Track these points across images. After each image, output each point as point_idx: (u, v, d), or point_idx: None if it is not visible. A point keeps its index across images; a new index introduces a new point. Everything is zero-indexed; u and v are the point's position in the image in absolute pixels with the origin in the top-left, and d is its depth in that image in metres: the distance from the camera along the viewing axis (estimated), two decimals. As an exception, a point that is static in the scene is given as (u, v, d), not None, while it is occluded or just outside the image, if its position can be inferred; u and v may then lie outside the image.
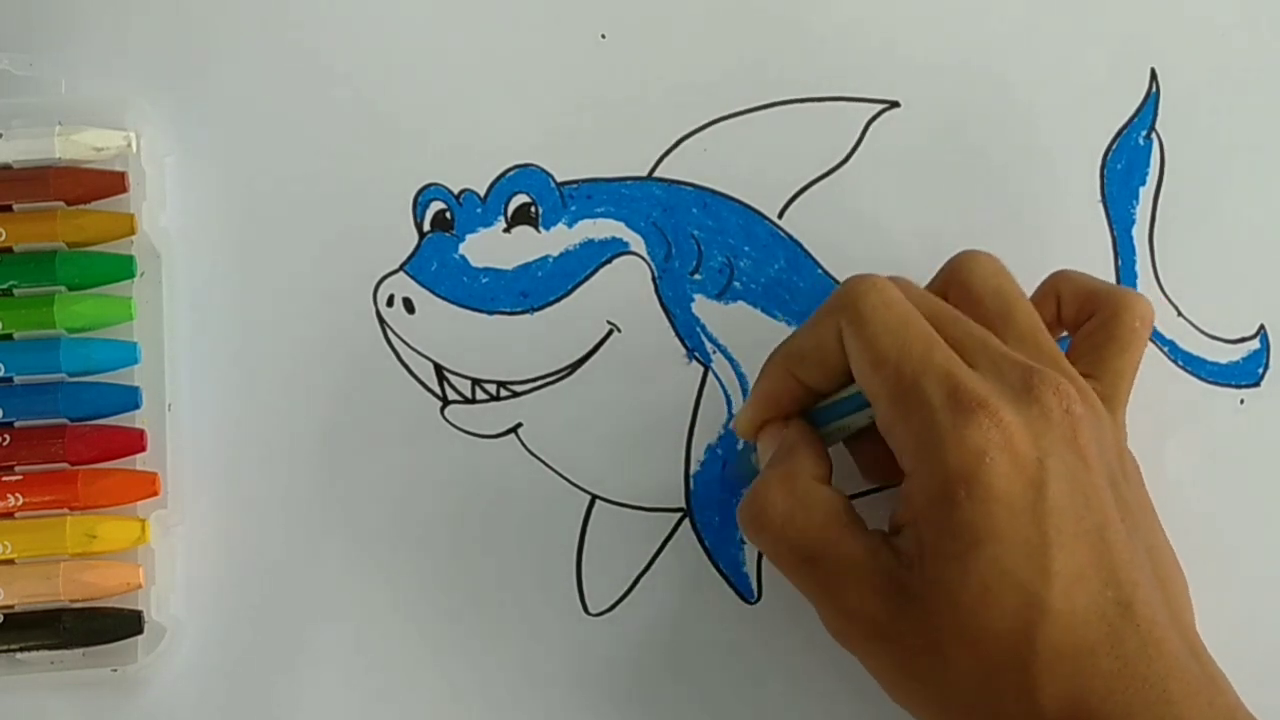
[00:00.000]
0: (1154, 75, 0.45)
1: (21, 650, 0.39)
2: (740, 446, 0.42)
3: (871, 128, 0.44)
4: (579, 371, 0.42)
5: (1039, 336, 0.37)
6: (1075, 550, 0.33)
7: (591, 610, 0.41)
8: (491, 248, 0.43)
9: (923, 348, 0.35)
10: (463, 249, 0.43)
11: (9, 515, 0.40)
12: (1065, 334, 0.40)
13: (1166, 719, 0.33)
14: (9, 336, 0.41)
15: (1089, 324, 0.39)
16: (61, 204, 0.41)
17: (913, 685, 0.35)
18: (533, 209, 0.43)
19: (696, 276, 0.43)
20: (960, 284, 0.38)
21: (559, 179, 0.43)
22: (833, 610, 0.36)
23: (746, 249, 0.43)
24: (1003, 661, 0.33)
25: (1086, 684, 0.33)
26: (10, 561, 0.40)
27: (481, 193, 0.43)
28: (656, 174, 0.44)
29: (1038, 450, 0.34)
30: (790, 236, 0.43)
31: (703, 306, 0.43)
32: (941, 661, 0.34)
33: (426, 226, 0.43)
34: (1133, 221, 0.44)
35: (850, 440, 0.39)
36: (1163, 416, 0.43)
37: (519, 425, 0.42)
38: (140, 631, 0.40)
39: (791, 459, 0.37)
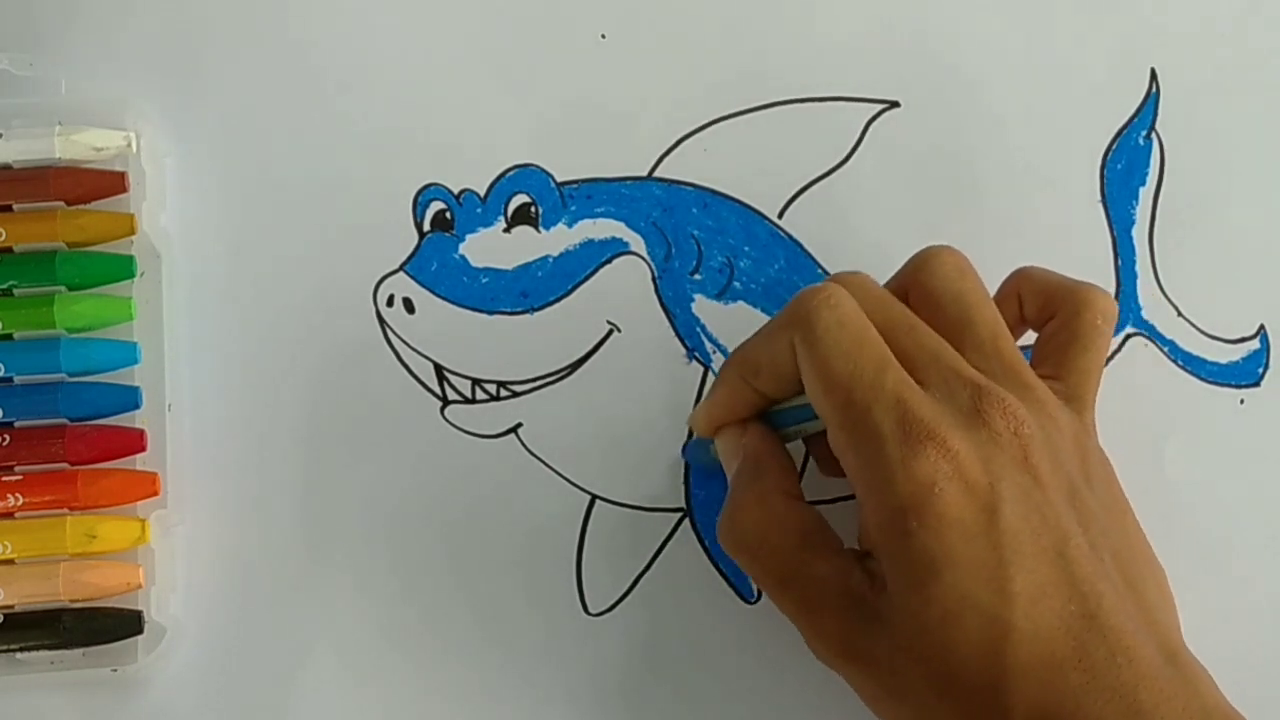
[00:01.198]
0: (1154, 75, 0.45)
1: (21, 650, 0.39)
2: (693, 440, 0.42)
3: (871, 128, 0.44)
4: (579, 371, 0.42)
5: (999, 344, 0.37)
6: (1034, 569, 0.33)
7: (591, 610, 0.41)
8: (491, 248, 0.43)
9: (874, 371, 0.35)
10: (463, 249, 0.43)
11: (9, 515, 0.40)
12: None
13: None
14: (9, 336, 0.41)
15: (1051, 323, 0.39)
16: (61, 204, 0.41)
17: (890, 703, 0.35)
18: (533, 209, 0.43)
19: (696, 276, 0.43)
20: (920, 286, 0.38)
21: (559, 179, 0.43)
22: (809, 631, 0.36)
23: (746, 249, 0.43)
24: (972, 682, 0.33)
25: (1056, 698, 0.33)
26: (10, 561, 0.40)
27: (481, 193, 0.43)
28: (656, 174, 0.44)
29: (988, 475, 0.34)
30: (790, 236, 0.43)
31: (703, 306, 0.43)
32: (912, 683, 0.34)
33: (426, 226, 0.43)
34: (1132, 221, 0.44)
35: (808, 438, 0.39)
36: (1163, 416, 0.43)
37: (519, 425, 0.42)
38: (140, 631, 0.40)
39: (760, 476, 0.37)
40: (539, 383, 0.42)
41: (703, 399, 0.40)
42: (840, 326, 0.35)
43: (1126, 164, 0.44)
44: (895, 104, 0.44)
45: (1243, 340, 0.44)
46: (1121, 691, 0.33)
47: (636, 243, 0.43)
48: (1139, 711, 0.33)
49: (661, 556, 0.42)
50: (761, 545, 0.36)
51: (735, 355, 0.38)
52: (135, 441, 0.40)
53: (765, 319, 0.42)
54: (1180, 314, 0.44)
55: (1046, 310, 0.39)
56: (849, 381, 0.35)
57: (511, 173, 0.43)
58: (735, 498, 0.37)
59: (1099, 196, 0.44)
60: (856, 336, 0.35)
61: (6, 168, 0.41)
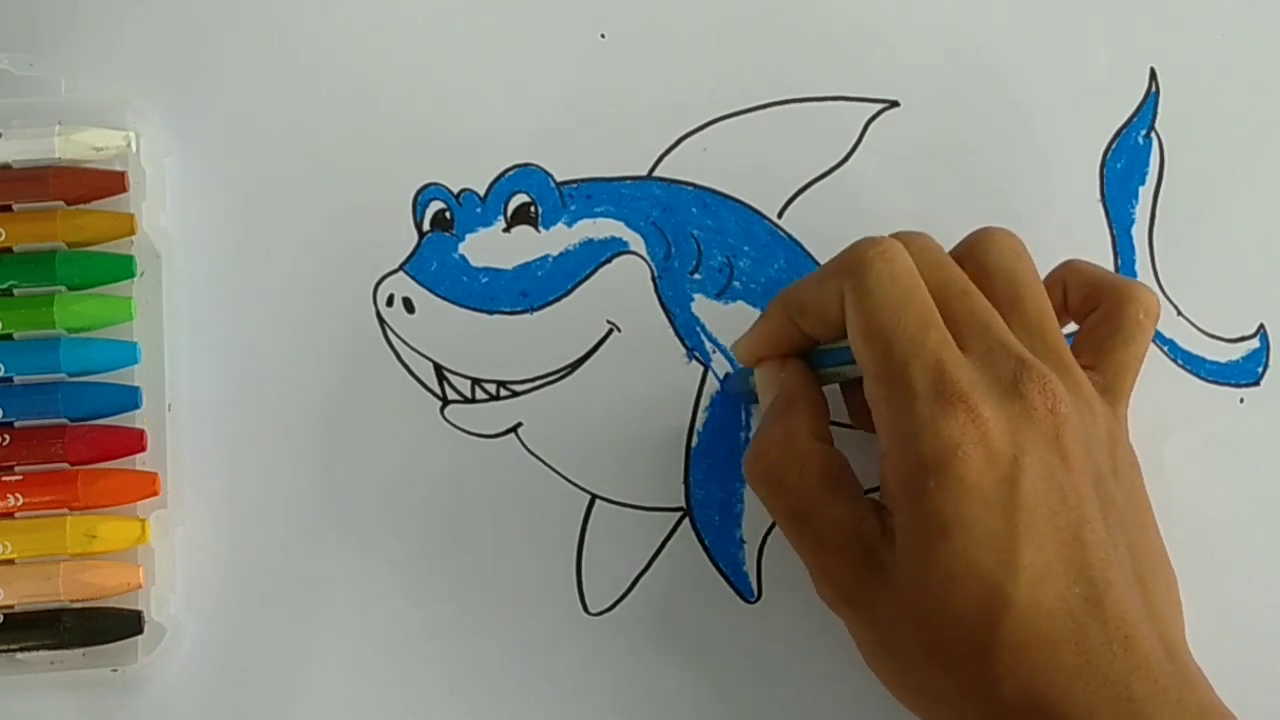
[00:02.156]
0: (1154, 75, 0.45)
1: (21, 650, 0.39)
2: (737, 371, 0.42)
3: (871, 127, 0.44)
4: (579, 371, 0.42)
5: (1045, 325, 0.37)
6: (1045, 546, 0.33)
7: (591, 610, 0.41)
8: (491, 247, 0.43)
9: (918, 328, 0.35)
10: (462, 249, 0.43)
11: (9, 515, 0.40)
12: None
13: (1127, 715, 0.33)
14: (9, 336, 0.41)
15: (1094, 315, 0.39)
16: (61, 204, 0.41)
17: (883, 655, 0.36)
18: (532, 209, 0.43)
19: (696, 276, 0.43)
20: (976, 261, 0.38)
21: (559, 178, 0.43)
22: (817, 570, 0.37)
23: (746, 248, 0.43)
24: (965, 648, 0.33)
25: (1048, 677, 0.33)
26: (10, 561, 0.40)
27: (481, 192, 0.43)
28: (656, 174, 0.44)
29: (1014, 447, 0.34)
30: (790, 236, 0.43)
31: (702, 306, 0.43)
32: (906, 638, 0.34)
33: (426, 226, 0.43)
34: (1132, 221, 0.44)
35: (844, 385, 0.39)
36: (1162, 416, 0.43)
37: (519, 425, 0.42)
38: (140, 631, 0.40)
39: (791, 413, 0.37)
40: (539, 382, 0.42)
41: (748, 330, 0.40)
42: (891, 280, 0.35)
43: (1126, 163, 0.44)
44: (895, 104, 0.44)
45: (1242, 339, 0.44)
46: (1114, 679, 0.33)
47: (636, 242, 0.43)
48: (1130, 699, 0.33)
49: (661, 556, 0.42)
50: (782, 480, 0.37)
51: (785, 292, 0.38)
52: (135, 441, 0.40)
53: (765, 318, 0.43)
54: (1180, 313, 0.44)
55: (1090, 302, 0.39)
56: (891, 334, 0.35)
57: (511, 172, 0.43)
58: (763, 431, 0.38)
59: (1099, 196, 0.44)
60: (905, 292, 0.35)
61: (6, 167, 0.41)
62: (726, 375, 0.42)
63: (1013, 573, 0.33)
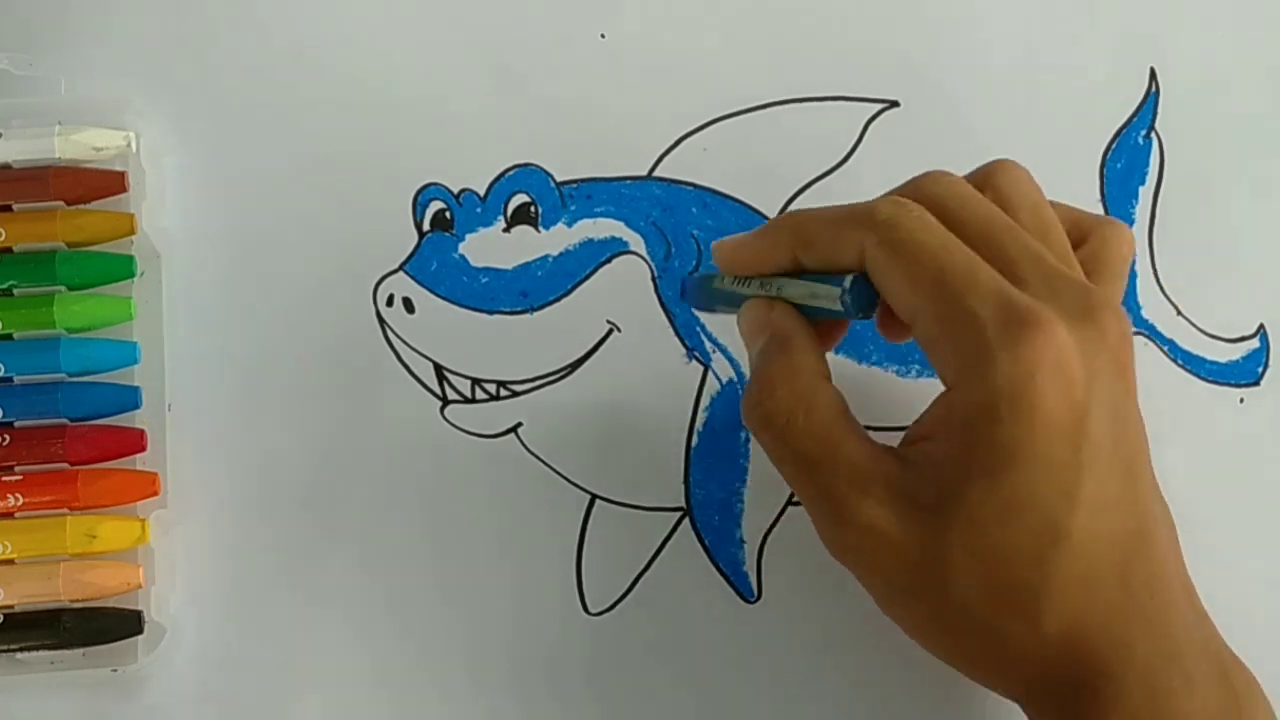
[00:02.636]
0: (1153, 75, 0.45)
1: (21, 650, 0.39)
2: (704, 279, 0.40)
3: (871, 127, 0.44)
4: (579, 371, 0.42)
5: (1070, 259, 0.36)
6: (1106, 480, 0.32)
7: (591, 610, 0.41)
8: (491, 247, 0.43)
9: (966, 267, 0.33)
10: (462, 249, 0.43)
11: (9, 515, 0.40)
12: None
13: (1164, 653, 0.33)
14: (9, 336, 0.41)
15: (1078, 253, 0.38)
16: (61, 204, 0.41)
17: (908, 600, 0.35)
18: (532, 208, 0.43)
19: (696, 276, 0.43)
20: (998, 189, 0.36)
21: (559, 178, 0.43)
22: (832, 518, 0.35)
23: (746, 249, 0.43)
24: (1012, 583, 0.33)
25: (1089, 613, 0.33)
26: (10, 561, 0.40)
27: (481, 192, 0.43)
28: (656, 173, 0.44)
29: (1088, 373, 0.32)
30: (790, 236, 0.43)
31: (703, 306, 0.43)
32: (945, 577, 0.33)
33: (426, 226, 0.43)
34: (1132, 221, 0.44)
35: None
36: (1163, 416, 0.42)
37: (519, 425, 0.42)
38: (140, 631, 0.40)
39: (790, 352, 0.36)
40: (539, 382, 0.42)
41: (737, 237, 0.38)
42: (925, 230, 0.34)
43: (1126, 163, 0.44)
44: (895, 104, 0.44)
45: (1242, 339, 0.44)
46: (1152, 615, 0.33)
47: (636, 242, 0.43)
48: (1168, 636, 0.33)
49: (661, 556, 0.42)
50: (790, 424, 0.35)
51: (794, 224, 0.36)
52: (135, 441, 0.40)
53: (765, 318, 0.42)
54: (1180, 313, 0.44)
55: (1072, 240, 0.38)
56: (939, 275, 0.33)
57: (511, 172, 0.43)
58: (762, 373, 0.36)
59: (1099, 196, 0.44)
60: (942, 239, 0.34)
61: (6, 167, 0.41)
62: (683, 281, 0.41)
63: (1072, 506, 0.32)
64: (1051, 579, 0.32)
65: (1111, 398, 0.33)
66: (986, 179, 0.37)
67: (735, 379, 0.42)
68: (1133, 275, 0.44)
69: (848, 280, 0.35)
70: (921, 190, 0.36)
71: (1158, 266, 0.44)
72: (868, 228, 0.34)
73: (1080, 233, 0.38)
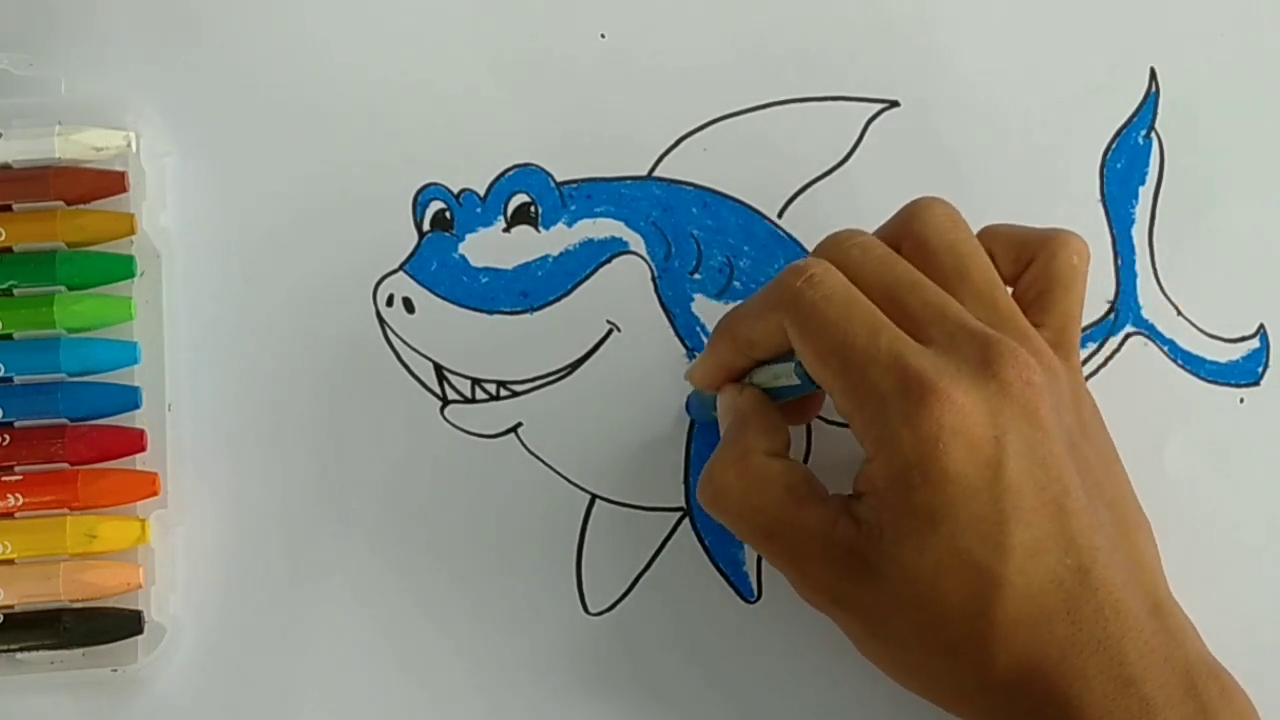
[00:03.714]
0: (1153, 74, 0.45)
1: (21, 650, 0.39)
2: (696, 392, 0.42)
3: (871, 127, 0.44)
4: (579, 371, 0.42)
5: (995, 293, 0.37)
6: (1033, 523, 0.34)
7: (591, 610, 0.41)
8: (491, 247, 0.43)
9: (866, 336, 0.35)
10: (462, 249, 0.43)
11: (9, 515, 0.40)
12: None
13: (1120, 679, 0.33)
14: (9, 336, 0.41)
15: (1028, 273, 0.39)
16: (61, 204, 0.41)
17: (877, 646, 0.36)
18: (532, 208, 0.43)
19: (696, 276, 0.43)
20: (914, 236, 0.38)
21: (559, 178, 0.43)
22: (797, 578, 0.37)
23: (746, 248, 0.43)
24: (958, 634, 0.34)
25: (1042, 650, 0.33)
26: (10, 561, 0.40)
27: (481, 192, 0.43)
28: (656, 173, 0.44)
29: (995, 429, 0.34)
30: (790, 236, 0.43)
31: (702, 306, 0.43)
32: (899, 629, 0.35)
33: (426, 226, 0.43)
34: (1132, 221, 0.44)
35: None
36: (1162, 416, 0.43)
37: (519, 425, 0.42)
38: (140, 631, 0.40)
39: (743, 436, 0.37)
40: (539, 382, 0.42)
41: (699, 358, 0.40)
42: (826, 301, 0.35)
43: (1126, 163, 0.44)
44: (895, 103, 0.44)
45: (1242, 339, 0.44)
46: (1107, 644, 0.33)
47: (636, 242, 0.43)
48: (1123, 663, 0.33)
49: (661, 556, 0.42)
50: (743, 503, 0.37)
51: (729, 326, 0.39)
52: (135, 441, 0.40)
53: (765, 318, 0.43)
54: (1180, 313, 0.44)
55: (1020, 261, 0.39)
56: (841, 350, 0.35)
57: (511, 172, 0.43)
58: (715, 458, 0.38)
59: (1099, 196, 0.44)
60: (843, 307, 0.35)
61: (6, 167, 0.41)
62: (688, 399, 0.42)
63: (1003, 554, 0.33)
64: (994, 625, 0.33)
65: (1026, 445, 0.34)
66: (903, 225, 0.38)
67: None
68: (1133, 275, 0.44)
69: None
70: (830, 253, 0.37)
71: (1158, 266, 0.44)
72: (779, 309, 0.36)
73: (1027, 251, 0.39)
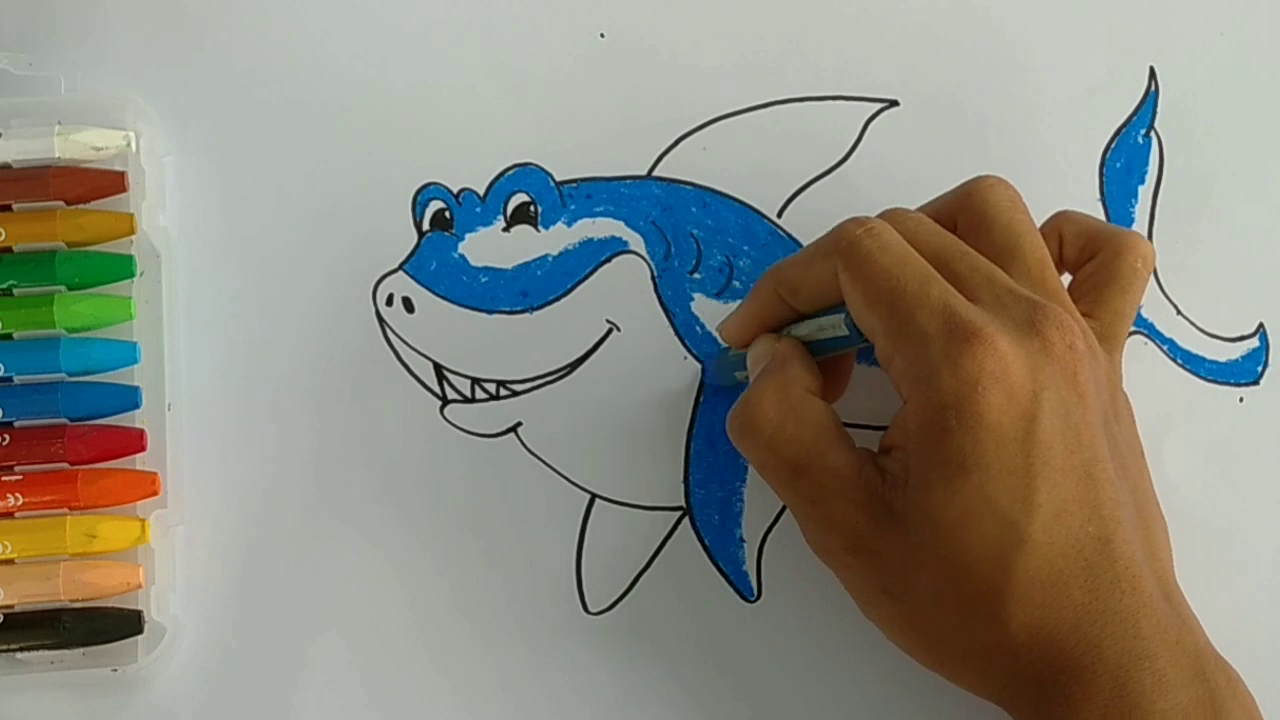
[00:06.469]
0: (1153, 74, 0.45)
1: (21, 650, 0.39)
2: (722, 353, 0.42)
3: (871, 126, 0.44)
4: (578, 371, 0.42)
5: (1045, 273, 0.37)
6: (1061, 484, 0.34)
7: (591, 610, 0.41)
8: (491, 247, 0.43)
9: (918, 284, 0.35)
10: (462, 248, 0.43)
11: (9, 515, 0.40)
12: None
13: (1133, 652, 0.33)
14: (9, 336, 0.41)
15: (1090, 264, 0.39)
16: (61, 203, 0.41)
17: (885, 601, 0.36)
18: (532, 208, 0.43)
19: (696, 275, 0.43)
20: (973, 211, 0.38)
21: (558, 178, 0.43)
22: (816, 522, 0.37)
23: (746, 248, 0.43)
24: (976, 586, 0.34)
25: (1057, 614, 0.33)
26: (10, 561, 0.39)
27: (481, 192, 0.43)
28: (656, 173, 0.44)
29: (1034, 383, 0.34)
30: (790, 235, 0.43)
31: (702, 305, 0.43)
32: (917, 580, 0.35)
33: (426, 226, 0.43)
34: (1132, 220, 0.44)
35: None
36: (1162, 415, 0.43)
37: (519, 424, 0.42)
38: (140, 631, 0.40)
39: (785, 369, 0.37)
40: (538, 382, 0.42)
41: (735, 310, 0.40)
42: (883, 250, 0.36)
43: (1126, 162, 0.44)
44: (895, 103, 0.44)
45: (1242, 338, 0.44)
46: (1122, 616, 0.33)
47: (636, 242, 0.43)
48: (1137, 636, 0.33)
49: (661, 556, 0.42)
50: (778, 433, 0.36)
51: (775, 274, 0.39)
52: (135, 441, 0.40)
53: (765, 318, 0.43)
54: (1180, 312, 0.44)
55: (1087, 251, 0.39)
56: (892, 295, 0.35)
57: (511, 172, 0.43)
58: (755, 387, 0.37)
59: (1098, 195, 0.44)
60: (899, 257, 0.36)
61: (6, 167, 0.41)
62: (705, 367, 0.42)
63: (1029, 510, 0.33)
64: (1014, 582, 0.33)
65: (1062, 405, 0.34)
66: (961, 200, 0.39)
67: (735, 378, 0.42)
68: (1132, 274, 0.44)
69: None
70: (886, 219, 0.37)
71: (1157, 265, 0.44)
72: (834, 255, 0.37)
73: (1094, 245, 0.39)
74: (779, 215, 0.44)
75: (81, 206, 0.41)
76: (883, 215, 0.38)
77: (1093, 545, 0.34)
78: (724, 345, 0.41)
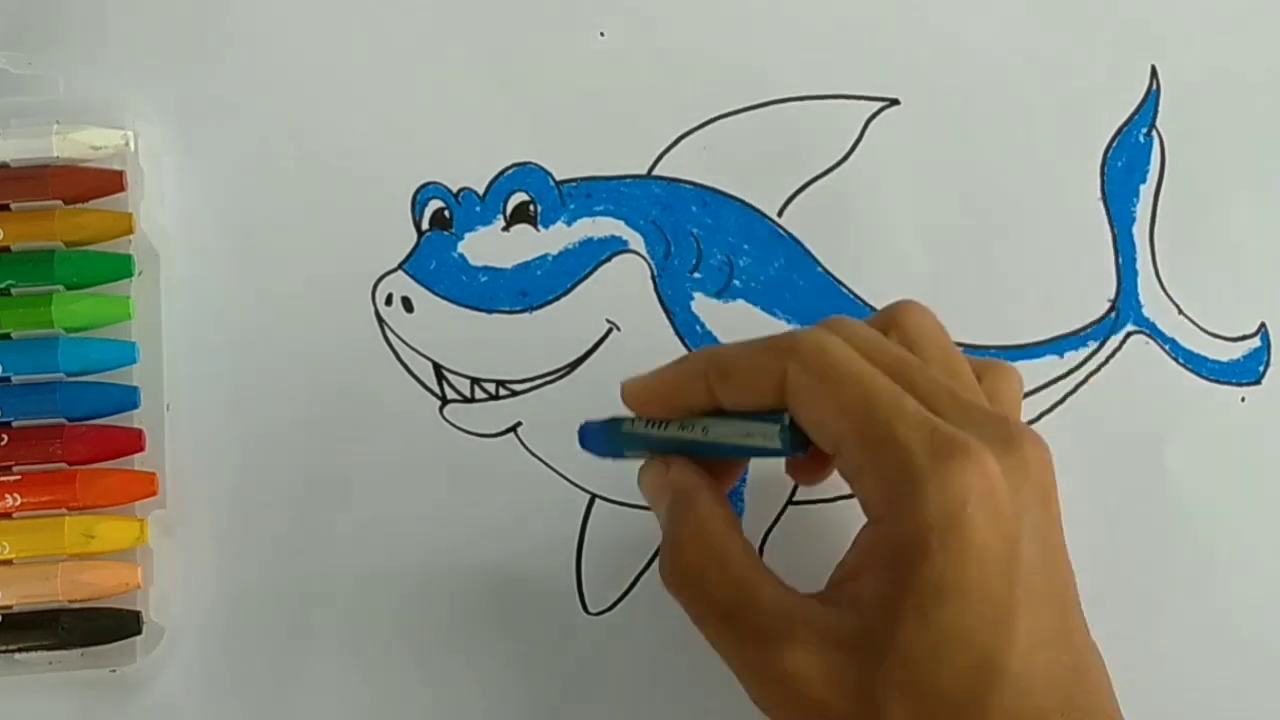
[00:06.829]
0: (1154, 72, 0.45)
1: (20, 651, 0.39)
2: (610, 423, 0.38)
3: (871, 126, 0.44)
4: (578, 370, 0.42)
5: (982, 397, 0.35)
6: (1039, 612, 0.31)
7: (591, 610, 0.41)
8: (490, 246, 0.43)
9: (890, 395, 0.32)
10: (461, 248, 0.43)
11: (7, 515, 0.40)
12: None
13: None
14: (7, 336, 0.41)
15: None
16: (59, 203, 0.41)
17: None
18: (532, 207, 0.43)
19: (696, 275, 0.43)
20: (904, 330, 0.36)
21: (558, 177, 0.43)
22: (757, 669, 0.33)
23: (746, 247, 0.43)
24: (949, 718, 0.31)
25: None
26: (9, 562, 0.39)
27: (480, 191, 0.43)
28: (656, 172, 0.43)
29: (1016, 504, 0.31)
30: (790, 235, 0.43)
31: (702, 305, 0.43)
32: (885, 710, 0.31)
33: (425, 225, 0.43)
34: (1133, 219, 0.44)
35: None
36: (1163, 415, 0.43)
37: (518, 424, 0.42)
38: (139, 632, 0.40)
39: (695, 506, 0.35)
40: (538, 382, 0.42)
41: (649, 373, 0.36)
42: (849, 360, 0.33)
43: (1127, 161, 0.44)
44: (895, 102, 0.44)
45: (1244, 338, 0.44)
46: None
47: (636, 241, 0.43)
48: None
49: (661, 556, 0.42)
50: (704, 579, 0.34)
51: (709, 353, 0.35)
52: (133, 441, 0.40)
53: (765, 317, 0.43)
54: (1181, 312, 0.44)
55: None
56: (867, 403, 0.32)
57: (510, 171, 0.43)
58: (671, 534, 0.35)
59: (1099, 194, 0.44)
60: (867, 369, 0.33)
61: (4, 166, 0.41)
62: (583, 427, 0.38)
63: (1009, 641, 0.31)
64: (989, 717, 0.31)
65: (1040, 528, 0.32)
66: (891, 320, 0.36)
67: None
68: (1133, 273, 0.44)
69: (787, 416, 0.33)
70: (831, 328, 0.34)
71: (1158, 264, 0.44)
72: (790, 355, 0.33)
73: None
74: (779, 215, 0.43)
75: (80, 206, 0.41)
76: (825, 325, 0.35)
77: (1069, 676, 0.32)
78: (618, 416, 0.37)
